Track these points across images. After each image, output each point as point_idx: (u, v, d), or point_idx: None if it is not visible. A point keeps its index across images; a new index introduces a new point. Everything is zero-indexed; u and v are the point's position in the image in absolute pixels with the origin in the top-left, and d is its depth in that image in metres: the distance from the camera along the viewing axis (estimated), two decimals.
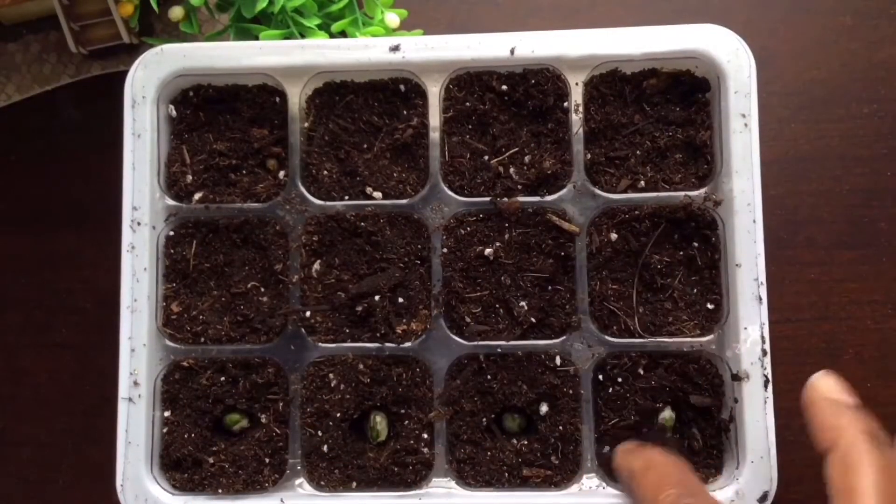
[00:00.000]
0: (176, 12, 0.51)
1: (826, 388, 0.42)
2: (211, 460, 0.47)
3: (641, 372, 0.46)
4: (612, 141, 0.47)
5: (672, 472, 0.42)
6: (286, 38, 0.49)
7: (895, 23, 0.55)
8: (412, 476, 0.46)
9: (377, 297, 0.46)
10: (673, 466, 0.42)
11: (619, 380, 0.46)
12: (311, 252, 0.47)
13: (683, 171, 0.47)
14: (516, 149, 0.47)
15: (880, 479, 0.39)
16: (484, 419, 0.46)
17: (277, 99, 0.48)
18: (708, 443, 0.46)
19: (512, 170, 0.47)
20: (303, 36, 0.50)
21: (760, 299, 0.44)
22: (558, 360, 0.46)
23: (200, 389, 0.47)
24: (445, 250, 0.47)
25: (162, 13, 0.53)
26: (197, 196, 0.48)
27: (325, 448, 0.46)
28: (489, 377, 0.46)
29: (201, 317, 0.47)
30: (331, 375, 0.46)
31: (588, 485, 0.45)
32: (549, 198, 0.46)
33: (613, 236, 0.46)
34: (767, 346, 0.44)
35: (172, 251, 0.48)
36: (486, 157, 0.47)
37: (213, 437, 0.47)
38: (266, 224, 0.48)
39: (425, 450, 0.46)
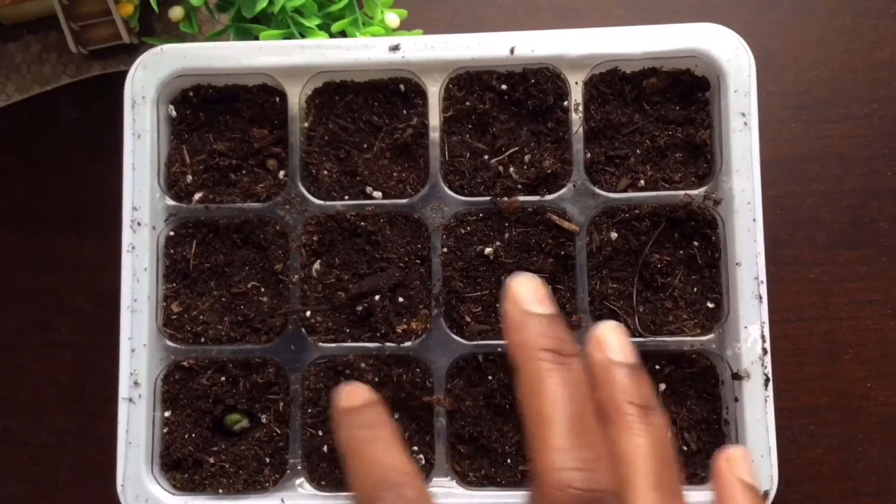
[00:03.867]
0: (176, 12, 0.51)
1: (521, 296, 0.39)
2: (211, 460, 0.47)
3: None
4: (611, 140, 0.47)
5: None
6: (286, 38, 0.49)
7: (895, 23, 0.56)
8: None
9: (377, 297, 0.46)
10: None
11: None
12: (311, 252, 0.47)
13: (683, 170, 0.47)
14: (516, 148, 0.47)
15: (562, 397, 0.37)
16: (484, 419, 0.46)
17: (277, 99, 0.48)
18: (706, 443, 0.46)
19: (512, 169, 0.47)
20: (303, 36, 0.50)
21: (760, 298, 0.44)
22: None
23: (200, 389, 0.47)
24: (445, 250, 0.47)
25: (162, 13, 0.53)
26: (197, 196, 0.48)
27: (325, 448, 0.46)
28: (489, 377, 0.46)
29: (201, 317, 0.47)
30: (331, 375, 0.46)
31: None
32: (548, 197, 0.46)
33: (613, 235, 0.46)
34: (768, 346, 0.44)
35: (172, 251, 0.48)
36: (486, 157, 0.47)
37: (214, 437, 0.47)
38: (266, 224, 0.48)
39: (426, 449, 0.46)
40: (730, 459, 0.40)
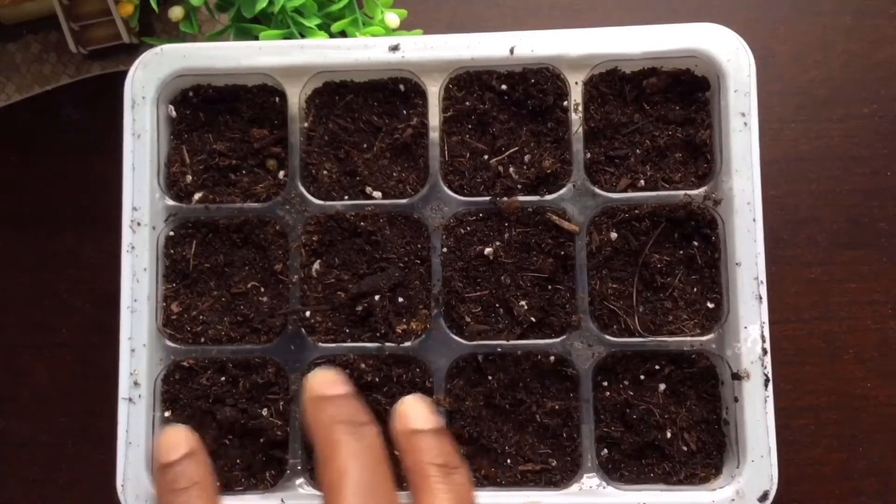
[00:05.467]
0: (176, 12, 0.51)
1: (318, 385, 0.43)
2: (211, 461, 0.46)
3: (642, 376, 0.46)
4: (611, 140, 0.47)
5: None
6: (286, 38, 0.49)
7: (895, 23, 0.56)
8: None
9: (377, 297, 0.46)
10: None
11: (620, 379, 0.46)
12: (311, 252, 0.47)
13: (683, 170, 0.47)
14: (516, 148, 0.47)
15: (353, 465, 0.39)
16: (484, 419, 0.46)
17: (277, 99, 0.48)
18: (706, 443, 0.46)
19: (511, 169, 0.47)
20: (303, 36, 0.50)
21: (760, 298, 0.44)
22: (558, 360, 0.46)
23: (200, 389, 0.47)
24: (445, 250, 0.47)
25: (162, 13, 0.53)
26: (197, 196, 0.48)
27: None
28: (489, 377, 0.46)
29: (201, 317, 0.47)
30: None
31: (588, 484, 0.45)
32: (548, 197, 0.46)
33: (613, 235, 0.46)
34: (768, 346, 0.44)
35: (172, 251, 0.48)
36: (486, 157, 0.47)
37: (214, 437, 0.47)
38: (266, 224, 0.48)
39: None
40: (402, 416, 0.42)
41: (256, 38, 0.49)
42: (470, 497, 0.41)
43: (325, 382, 0.43)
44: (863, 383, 0.53)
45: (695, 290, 0.47)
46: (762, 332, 0.44)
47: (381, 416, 0.46)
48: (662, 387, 0.46)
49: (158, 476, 0.43)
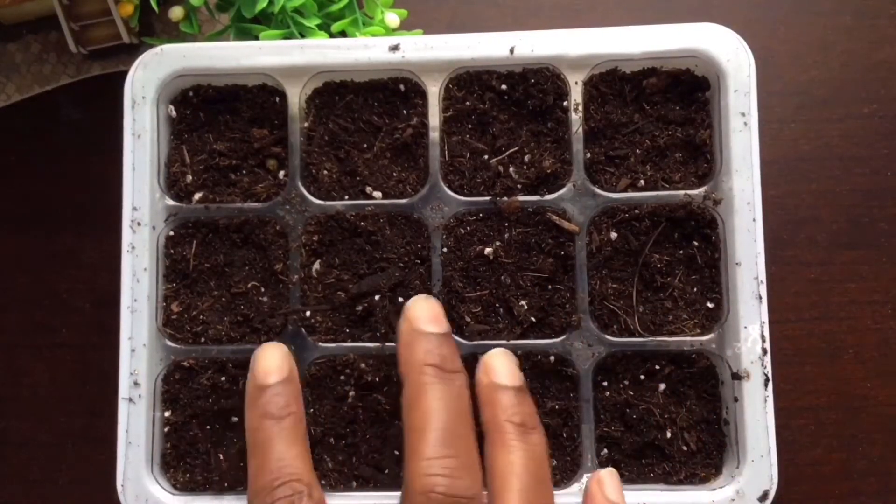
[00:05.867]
0: (176, 12, 0.51)
1: (415, 316, 0.42)
2: (212, 460, 0.47)
3: (642, 376, 0.46)
4: (611, 140, 0.47)
5: None
6: (286, 38, 0.49)
7: (895, 23, 0.56)
8: None
9: (377, 297, 0.46)
10: None
11: (620, 379, 0.46)
12: (311, 252, 0.47)
13: (683, 170, 0.47)
14: (516, 148, 0.47)
15: (439, 409, 0.39)
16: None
17: (277, 99, 0.48)
18: (706, 443, 0.46)
19: (512, 169, 0.47)
20: (303, 36, 0.50)
21: (760, 298, 0.44)
22: (558, 360, 0.46)
23: (201, 389, 0.47)
24: (445, 250, 0.47)
25: (162, 13, 0.53)
26: (197, 196, 0.48)
27: (325, 447, 0.46)
28: None
29: (201, 317, 0.47)
30: (332, 375, 0.47)
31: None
32: (548, 197, 0.46)
33: (613, 235, 0.46)
34: (768, 345, 0.44)
35: (172, 251, 0.48)
36: (486, 157, 0.47)
37: (214, 437, 0.47)
38: (266, 224, 0.48)
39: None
40: (600, 481, 0.42)
41: (256, 38, 0.50)
42: (545, 458, 0.41)
43: (425, 317, 0.42)
44: (863, 383, 0.53)
45: (695, 290, 0.47)
46: (762, 332, 0.44)
47: (384, 417, 0.46)
48: (662, 387, 0.46)
49: (252, 395, 0.42)
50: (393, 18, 0.51)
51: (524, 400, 0.41)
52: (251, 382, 0.43)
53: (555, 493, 0.45)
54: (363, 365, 0.46)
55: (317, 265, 0.48)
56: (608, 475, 0.43)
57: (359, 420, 0.46)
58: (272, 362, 0.43)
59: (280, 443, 0.41)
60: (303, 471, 0.41)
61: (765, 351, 0.44)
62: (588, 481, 0.43)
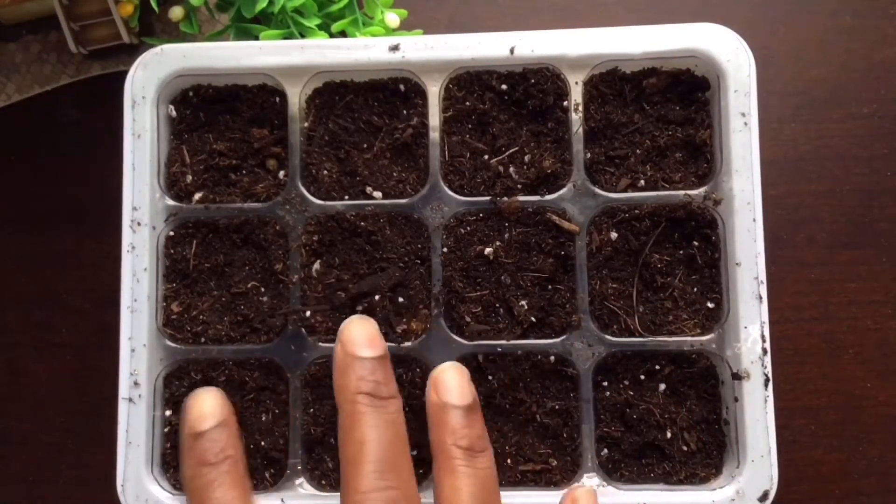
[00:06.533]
0: (176, 12, 0.51)
1: (350, 339, 0.41)
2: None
3: (642, 376, 0.46)
4: (611, 140, 0.47)
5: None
6: (286, 38, 0.49)
7: (895, 23, 0.56)
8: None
9: (377, 297, 0.46)
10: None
11: (620, 379, 0.46)
12: (311, 252, 0.47)
13: (683, 170, 0.47)
14: (516, 148, 0.47)
15: (373, 439, 0.38)
16: (484, 419, 0.46)
17: (277, 99, 0.48)
18: (706, 443, 0.46)
19: (512, 169, 0.47)
20: (303, 36, 0.50)
21: (761, 298, 0.44)
22: (558, 360, 0.46)
23: None
24: (445, 250, 0.47)
25: (162, 13, 0.53)
26: (197, 196, 0.48)
27: (326, 447, 0.46)
28: (489, 377, 0.46)
29: (201, 317, 0.47)
30: (332, 375, 0.46)
31: (588, 484, 0.45)
32: (548, 197, 0.46)
33: (613, 235, 0.46)
34: (768, 345, 0.44)
35: (172, 251, 0.48)
36: (486, 157, 0.47)
37: None
38: (266, 224, 0.48)
39: (426, 449, 0.46)
40: (575, 500, 0.42)
41: (256, 38, 0.50)
42: (493, 482, 0.40)
43: (360, 340, 0.41)
44: (863, 383, 0.53)
45: (695, 290, 0.47)
46: (762, 332, 0.44)
47: None
48: (662, 387, 0.46)
49: (188, 444, 0.41)
50: (393, 18, 0.51)
51: (473, 420, 0.41)
52: (184, 430, 0.42)
53: (555, 492, 0.45)
54: None
55: (317, 265, 0.48)
56: (448, 372, 0.42)
57: None
58: (206, 407, 0.42)
59: (218, 488, 0.40)
60: None
61: (765, 351, 0.44)
62: (427, 388, 0.42)
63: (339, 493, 0.45)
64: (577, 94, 0.47)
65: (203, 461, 0.41)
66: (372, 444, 0.39)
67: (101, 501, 0.53)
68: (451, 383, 0.41)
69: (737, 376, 0.44)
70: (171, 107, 0.48)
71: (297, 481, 0.46)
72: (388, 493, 0.38)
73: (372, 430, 0.39)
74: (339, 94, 0.49)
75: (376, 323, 0.43)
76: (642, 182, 0.47)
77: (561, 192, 0.46)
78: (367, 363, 0.41)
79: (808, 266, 0.54)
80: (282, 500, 0.45)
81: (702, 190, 0.46)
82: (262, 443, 0.46)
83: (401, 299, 0.47)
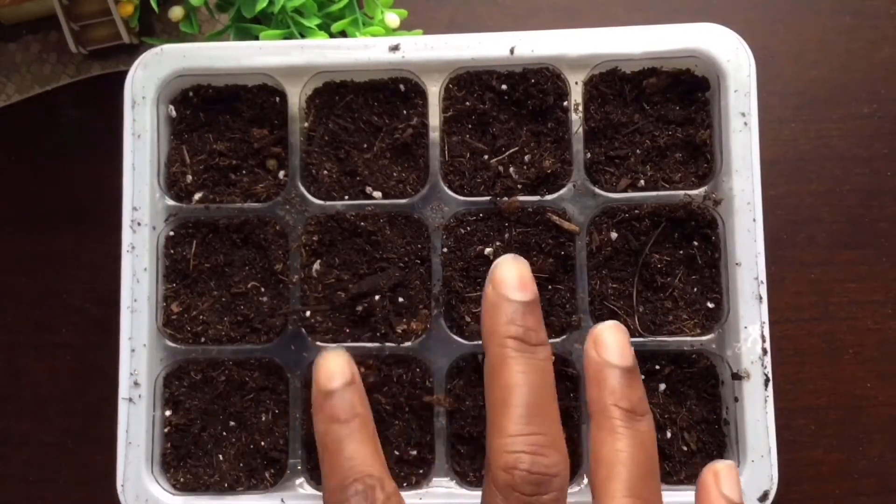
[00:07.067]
0: (176, 12, 0.51)
1: (502, 280, 0.40)
2: (211, 460, 0.47)
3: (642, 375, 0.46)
4: (611, 140, 0.47)
5: None
6: (286, 38, 0.49)
7: (895, 23, 0.56)
8: (413, 475, 0.46)
9: (377, 297, 0.46)
10: None
11: None
12: (311, 252, 0.47)
13: (683, 170, 0.47)
14: (516, 148, 0.47)
15: (521, 383, 0.38)
16: (484, 419, 0.46)
17: (277, 99, 0.48)
18: (706, 443, 0.46)
19: (512, 169, 0.47)
20: (303, 36, 0.50)
21: (761, 298, 0.44)
22: (558, 360, 0.46)
23: (201, 390, 0.47)
24: (445, 250, 0.47)
25: (162, 13, 0.53)
26: (197, 196, 0.48)
27: None
28: None
29: (201, 317, 0.47)
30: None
31: (589, 484, 0.45)
32: (548, 197, 0.46)
33: (613, 235, 0.46)
34: (768, 345, 0.44)
35: (172, 251, 0.48)
36: (486, 157, 0.47)
37: (214, 437, 0.47)
38: (266, 224, 0.48)
39: (426, 449, 0.46)
40: (717, 474, 0.40)
41: (256, 38, 0.50)
42: (654, 448, 0.39)
43: (512, 282, 0.40)
44: (863, 383, 0.53)
45: (695, 290, 0.47)
46: (762, 332, 0.44)
47: (384, 417, 0.46)
48: (662, 387, 0.46)
49: (318, 402, 0.41)
50: (393, 18, 0.51)
51: (634, 382, 0.39)
52: (315, 389, 0.42)
53: None
54: (362, 368, 0.46)
55: (317, 265, 0.48)
56: (726, 470, 0.40)
57: None
58: (334, 367, 0.42)
59: (350, 443, 0.40)
60: (373, 466, 0.40)
61: (765, 351, 0.44)
62: (703, 472, 0.40)
63: None
64: (577, 94, 0.47)
65: (334, 418, 0.41)
66: (520, 388, 0.38)
67: (101, 501, 0.53)
68: (612, 342, 0.40)
69: (737, 376, 0.44)
70: (171, 107, 0.48)
71: (297, 481, 0.46)
72: (535, 437, 0.37)
73: (520, 375, 0.38)
74: (339, 94, 0.49)
75: (529, 264, 0.42)
76: (642, 182, 0.47)
77: (561, 192, 0.46)
78: (518, 306, 0.39)
79: (808, 266, 0.54)
80: (282, 500, 0.45)
81: (702, 190, 0.46)
82: (262, 443, 0.46)
83: (401, 299, 0.47)
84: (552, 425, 0.38)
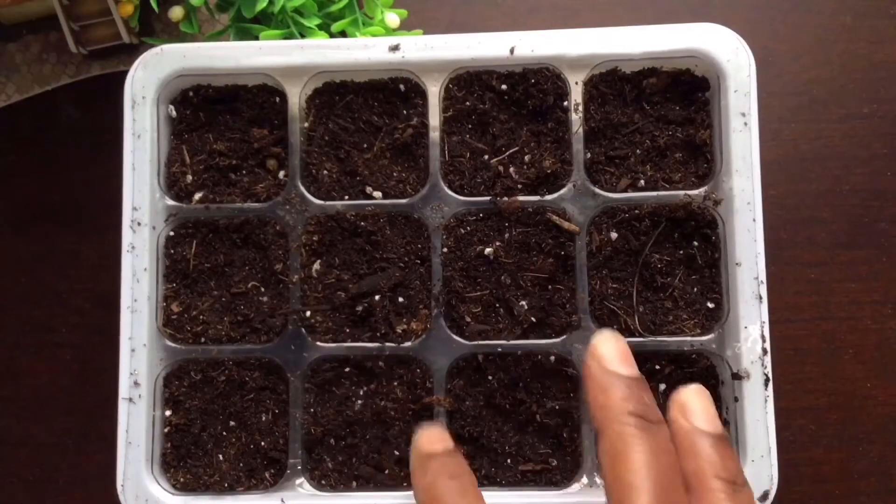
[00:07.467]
0: (176, 12, 0.51)
1: (605, 355, 0.38)
2: (211, 460, 0.47)
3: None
4: (611, 140, 0.47)
5: None
6: (286, 38, 0.49)
7: (895, 23, 0.56)
8: None
9: (377, 297, 0.46)
10: None
11: None
12: (311, 252, 0.47)
13: (683, 170, 0.47)
14: (516, 148, 0.47)
15: (650, 466, 0.35)
16: (484, 419, 0.46)
17: (277, 99, 0.48)
18: None
19: (512, 169, 0.47)
20: (303, 36, 0.50)
21: (761, 298, 0.44)
22: (559, 360, 0.46)
23: (201, 390, 0.47)
24: (445, 250, 0.47)
25: (162, 13, 0.53)
26: (197, 196, 0.48)
27: (326, 447, 0.46)
28: (489, 377, 0.46)
29: (201, 317, 0.47)
30: (331, 375, 0.47)
31: (588, 484, 0.45)
32: (548, 197, 0.46)
33: (613, 235, 0.46)
34: (768, 345, 0.44)
35: (172, 251, 0.48)
36: (486, 157, 0.47)
37: (214, 437, 0.47)
38: (266, 224, 0.48)
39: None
40: (684, 407, 0.38)
41: (256, 38, 0.49)
42: None
43: (614, 357, 0.38)
44: (863, 383, 0.53)
45: (695, 290, 0.47)
46: (762, 331, 0.44)
47: (382, 417, 0.46)
48: (662, 387, 0.46)
49: (422, 463, 0.39)
50: (393, 18, 0.51)
51: (729, 452, 0.37)
52: (416, 454, 0.40)
53: (555, 492, 0.45)
54: (359, 370, 0.46)
55: (317, 265, 0.48)
56: (693, 398, 0.38)
57: (359, 421, 0.46)
58: (435, 433, 0.40)
59: (464, 497, 0.38)
60: None
61: (765, 351, 0.44)
62: (669, 408, 0.38)
63: (339, 493, 0.45)
64: (577, 94, 0.47)
65: (445, 472, 0.38)
66: (649, 470, 0.35)
67: (101, 501, 0.53)
68: (699, 409, 0.38)
69: (737, 376, 0.44)
70: (171, 107, 0.48)
71: (297, 481, 0.45)
72: None
73: (647, 455, 0.36)
74: (339, 94, 0.49)
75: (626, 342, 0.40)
76: (642, 182, 0.47)
77: (561, 192, 0.46)
78: (631, 382, 0.37)
79: (808, 266, 0.54)
80: (282, 500, 0.45)
81: (702, 190, 0.46)
82: (262, 443, 0.46)
83: (401, 299, 0.47)
84: None
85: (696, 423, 0.38)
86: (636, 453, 0.36)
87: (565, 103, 0.47)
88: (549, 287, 0.46)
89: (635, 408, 0.37)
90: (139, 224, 0.46)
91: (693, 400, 0.38)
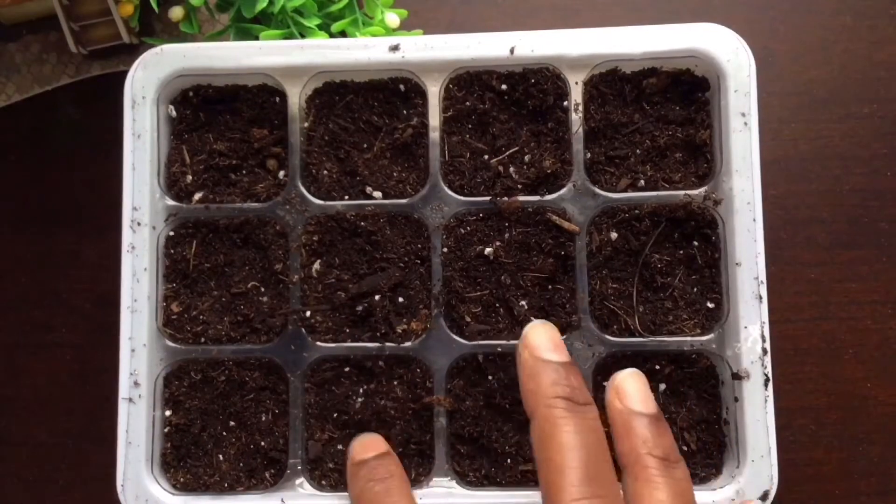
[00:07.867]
0: (176, 12, 0.51)
1: (536, 343, 0.40)
2: (211, 460, 0.47)
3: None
4: (611, 140, 0.47)
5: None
6: (286, 38, 0.49)
7: (895, 23, 0.56)
8: (413, 475, 0.46)
9: (377, 297, 0.46)
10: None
11: None
12: (311, 252, 0.47)
13: (683, 170, 0.47)
14: (516, 148, 0.47)
15: (578, 445, 0.37)
16: (484, 419, 0.46)
17: (277, 99, 0.48)
18: (706, 443, 0.46)
19: (512, 169, 0.47)
20: (303, 36, 0.50)
21: (761, 298, 0.44)
22: None
23: (201, 389, 0.47)
24: (445, 250, 0.47)
25: (162, 13, 0.53)
26: (197, 196, 0.48)
27: (324, 448, 0.46)
28: (489, 376, 0.46)
29: (201, 317, 0.47)
30: (331, 375, 0.47)
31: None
32: (548, 197, 0.46)
33: (613, 235, 0.46)
34: (768, 345, 0.44)
35: (172, 251, 0.48)
36: (486, 157, 0.47)
37: (214, 437, 0.47)
38: (266, 224, 0.48)
39: (426, 449, 0.46)
40: (619, 390, 0.39)
41: (256, 38, 0.49)
42: (691, 495, 0.39)
43: (545, 344, 0.40)
44: (863, 383, 0.53)
45: (695, 290, 0.47)
46: (762, 331, 0.44)
47: (383, 416, 0.46)
48: (662, 387, 0.46)
49: (353, 471, 0.42)
50: (393, 18, 0.51)
51: (663, 430, 0.39)
52: (350, 463, 0.43)
53: None
54: (359, 370, 0.46)
55: (317, 265, 0.48)
56: (629, 379, 0.40)
57: (359, 421, 0.46)
58: (367, 441, 0.44)
59: (390, 497, 0.41)
60: None
61: (765, 351, 0.44)
62: (607, 393, 0.40)
63: (339, 493, 0.45)
64: (577, 94, 0.47)
65: (372, 478, 0.41)
66: (577, 450, 0.37)
67: (101, 501, 0.53)
68: (635, 391, 0.40)
69: (737, 376, 0.44)
70: (171, 107, 0.48)
71: (297, 481, 0.46)
72: (597, 500, 0.36)
73: (574, 435, 0.37)
74: (339, 94, 0.49)
75: (557, 328, 0.42)
76: (642, 182, 0.47)
77: (561, 192, 0.46)
78: (559, 367, 0.39)
79: (808, 266, 0.54)
80: (282, 500, 0.45)
81: (702, 190, 0.46)
82: (262, 443, 0.46)
83: (401, 299, 0.47)
84: (611, 486, 0.38)
85: (630, 405, 0.39)
86: (564, 434, 0.37)
87: (565, 103, 0.47)
88: (549, 287, 0.46)
89: (563, 391, 0.38)
90: (139, 224, 0.46)
91: (628, 383, 0.40)
